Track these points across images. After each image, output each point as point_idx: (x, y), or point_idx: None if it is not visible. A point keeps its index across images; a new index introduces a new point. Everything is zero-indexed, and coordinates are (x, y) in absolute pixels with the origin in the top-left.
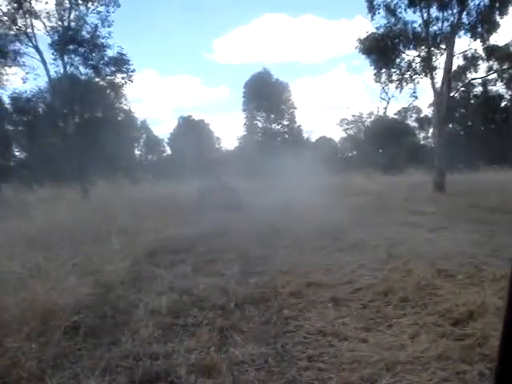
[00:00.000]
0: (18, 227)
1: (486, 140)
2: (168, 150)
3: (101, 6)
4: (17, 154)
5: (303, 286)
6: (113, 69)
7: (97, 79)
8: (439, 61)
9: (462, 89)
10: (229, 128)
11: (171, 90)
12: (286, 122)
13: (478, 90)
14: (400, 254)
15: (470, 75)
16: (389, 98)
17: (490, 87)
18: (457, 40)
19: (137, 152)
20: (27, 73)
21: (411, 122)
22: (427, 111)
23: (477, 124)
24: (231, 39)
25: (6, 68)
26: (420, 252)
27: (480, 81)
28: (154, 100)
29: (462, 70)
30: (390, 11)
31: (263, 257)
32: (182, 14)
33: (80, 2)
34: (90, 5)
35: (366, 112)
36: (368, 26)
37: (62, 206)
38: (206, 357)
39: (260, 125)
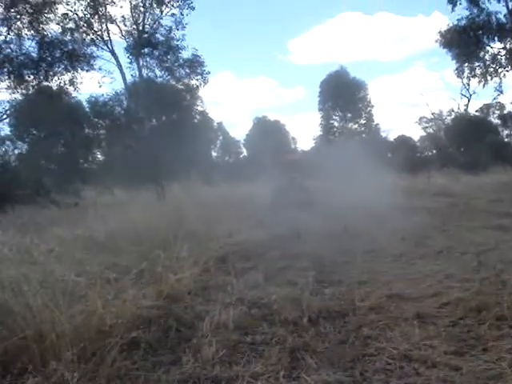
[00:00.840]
0: (92, 230)
1: None
2: (244, 152)
3: (175, 8)
4: (99, 157)
5: (384, 299)
6: (187, 71)
7: (172, 82)
8: None
9: None
10: (305, 128)
11: (247, 92)
12: (363, 121)
13: None
14: (491, 262)
15: None
16: (470, 95)
17: None
18: None
19: (213, 154)
20: (103, 76)
21: (494, 119)
22: (511, 107)
23: None
24: (307, 39)
25: (81, 72)
26: None
27: None
28: (230, 102)
29: None
30: (472, 1)
31: (339, 264)
32: (256, 16)
33: (155, 5)
34: (164, 8)
35: (445, 110)
36: (446, 21)
37: (137, 209)
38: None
39: (336, 124)
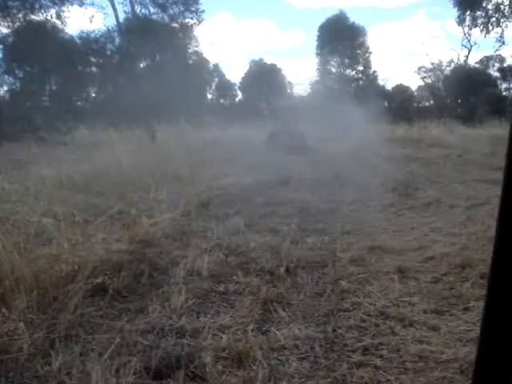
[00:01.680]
0: (75, 170)
1: None
2: (240, 95)
3: None
4: (93, 95)
5: (366, 251)
6: (181, 8)
7: (166, 20)
8: None
9: None
10: (303, 73)
11: (246, 33)
12: (360, 68)
13: None
14: (480, 216)
15: None
16: (471, 46)
17: None
18: None
19: (208, 96)
20: (96, 11)
21: (493, 72)
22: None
23: None
24: None
25: (70, 6)
26: None
27: None
28: (228, 44)
29: None
30: None
31: (325, 212)
32: None
33: None
34: None
35: (445, 60)
36: None
37: (126, 150)
38: (242, 338)
39: (334, 70)
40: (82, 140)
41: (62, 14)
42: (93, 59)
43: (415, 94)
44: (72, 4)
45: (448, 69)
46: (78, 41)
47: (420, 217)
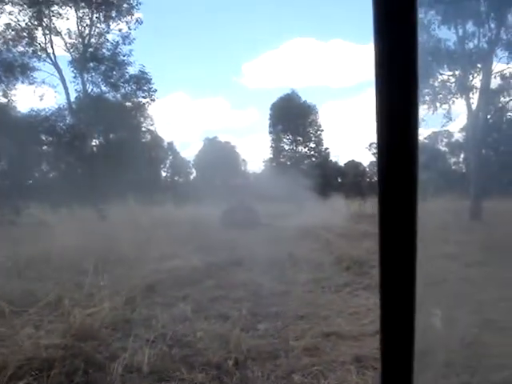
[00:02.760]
0: (15, 252)
1: None
2: (194, 172)
3: (122, 23)
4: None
5: (321, 338)
6: (134, 87)
7: (119, 99)
8: (475, 80)
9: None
10: (256, 151)
11: (200, 112)
12: (313, 145)
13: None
14: (438, 297)
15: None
16: (419, 123)
17: None
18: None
19: (163, 174)
20: (46, 90)
21: (442, 147)
22: (458, 136)
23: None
24: (260, 63)
25: (18, 84)
26: None
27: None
28: (183, 123)
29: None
30: (423, 28)
31: (278, 294)
32: (211, 38)
33: (102, 19)
34: (111, 22)
35: None
36: None
37: (73, 230)
38: None
39: (286, 147)
40: (30, 219)
41: (9, 92)
42: (43, 137)
43: (367, 169)
44: (23, 82)
45: None
46: (28, 119)
47: (376, 297)
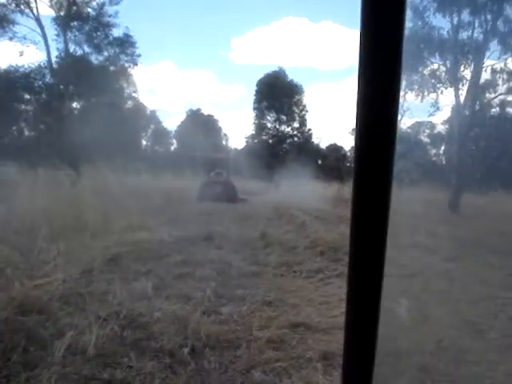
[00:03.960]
0: None
1: None
2: (175, 143)
3: None
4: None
5: (288, 329)
6: (117, 50)
7: (101, 61)
8: (466, 72)
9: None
10: (239, 126)
11: (186, 83)
12: (296, 125)
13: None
14: (415, 289)
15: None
16: (404, 111)
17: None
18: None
19: (143, 142)
20: (27, 46)
21: (424, 138)
22: (441, 128)
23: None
24: (249, 39)
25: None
26: None
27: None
28: (168, 92)
29: (486, 86)
30: (417, 13)
31: (247, 275)
32: (202, 11)
33: None
34: None
35: None
36: None
37: (43, 192)
38: None
39: (269, 125)
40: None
41: None
42: (22, 95)
43: (348, 153)
44: (2, 36)
45: None
46: (5, 75)
47: None
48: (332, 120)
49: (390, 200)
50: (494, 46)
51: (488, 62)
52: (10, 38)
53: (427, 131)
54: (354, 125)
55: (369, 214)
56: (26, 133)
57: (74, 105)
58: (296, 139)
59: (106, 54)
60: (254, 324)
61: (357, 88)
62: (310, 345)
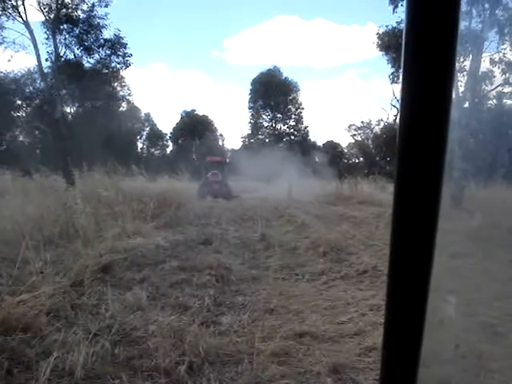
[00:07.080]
0: None
1: None
2: (171, 145)
3: None
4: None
5: (292, 340)
6: (108, 52)
7: (93, 63)
8: (465, 63)
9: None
10: (235, 127)
11: (180, 85)
12: (292, 123)
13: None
14: None
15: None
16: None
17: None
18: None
19: (139, 145)
20: (17, 51)
21: None
22: None
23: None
24: (242, 39)
25: None
26: None
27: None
28: (162, 94)
29: (485, 77)
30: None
31: (247, 280)
32: (195, 11)
33: None
34: None
35: (375, 119)
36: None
37: (35, 198)
38: None
39: (266, 124)
40: None
41: None
42: (12, 101)
43: (345, 150)
44: None
45: (377, 127)
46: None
47: (355, 288)
48: (327, 117)
49: (440, 202)
50: (493, 35)
51: (488, 52)
52: None
53: None
54: (349, 122)
55: (413, 215)
56: (21, 138)
57: (68, 109)
58: (292, 137)
59: (97, 56)
60: (255, 335)
61: (401, 76)
62: (318, 357)
